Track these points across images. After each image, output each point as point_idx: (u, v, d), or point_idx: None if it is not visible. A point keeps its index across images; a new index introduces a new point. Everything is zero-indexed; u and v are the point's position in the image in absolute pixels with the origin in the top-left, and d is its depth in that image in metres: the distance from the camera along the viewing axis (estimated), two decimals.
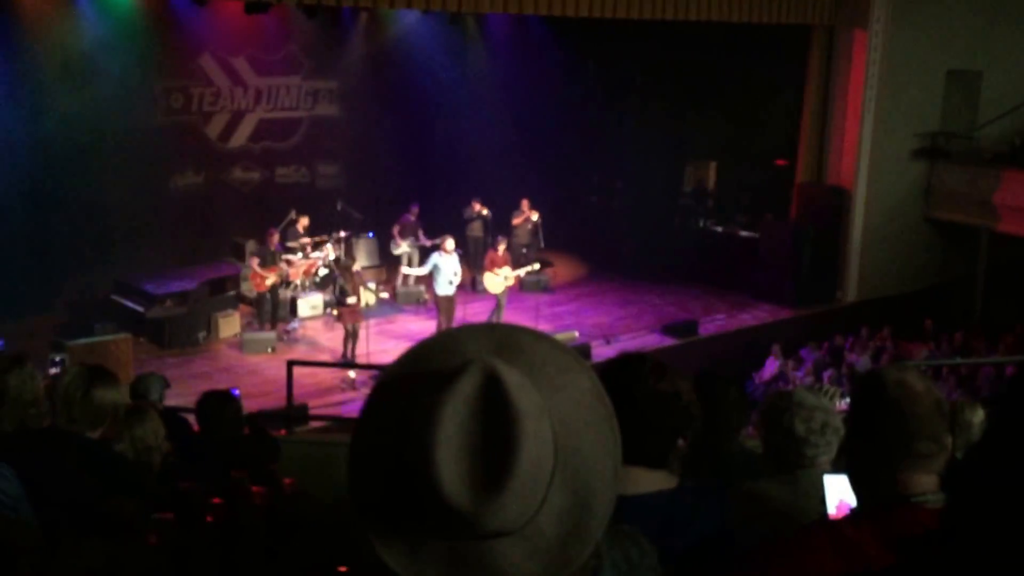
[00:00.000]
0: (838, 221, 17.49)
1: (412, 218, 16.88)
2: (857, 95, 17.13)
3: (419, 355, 1.23)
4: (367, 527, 1.18)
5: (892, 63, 16.97)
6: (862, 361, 14.26)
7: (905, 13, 16.89)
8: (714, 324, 16.23)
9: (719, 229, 18.80)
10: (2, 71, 14.07)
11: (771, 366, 14.64)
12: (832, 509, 2.70)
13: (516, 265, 15.35)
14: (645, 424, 2.21)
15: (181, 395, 9.96)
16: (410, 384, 1.18)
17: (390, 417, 1.17)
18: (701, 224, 19.03)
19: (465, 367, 1.14)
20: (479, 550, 1.13)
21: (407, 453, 1.12)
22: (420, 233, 16.86)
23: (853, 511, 2.10)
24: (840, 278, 17.65)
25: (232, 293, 15.25)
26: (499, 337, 1.22)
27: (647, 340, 15.27)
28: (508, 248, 15.46)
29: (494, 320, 14.50)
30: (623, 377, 2.25)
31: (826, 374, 13.72)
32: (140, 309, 14.43)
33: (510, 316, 14.88)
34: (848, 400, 2.94)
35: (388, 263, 17.17)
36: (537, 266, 16.12)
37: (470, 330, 1.25)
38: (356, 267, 14.42)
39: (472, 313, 15.21)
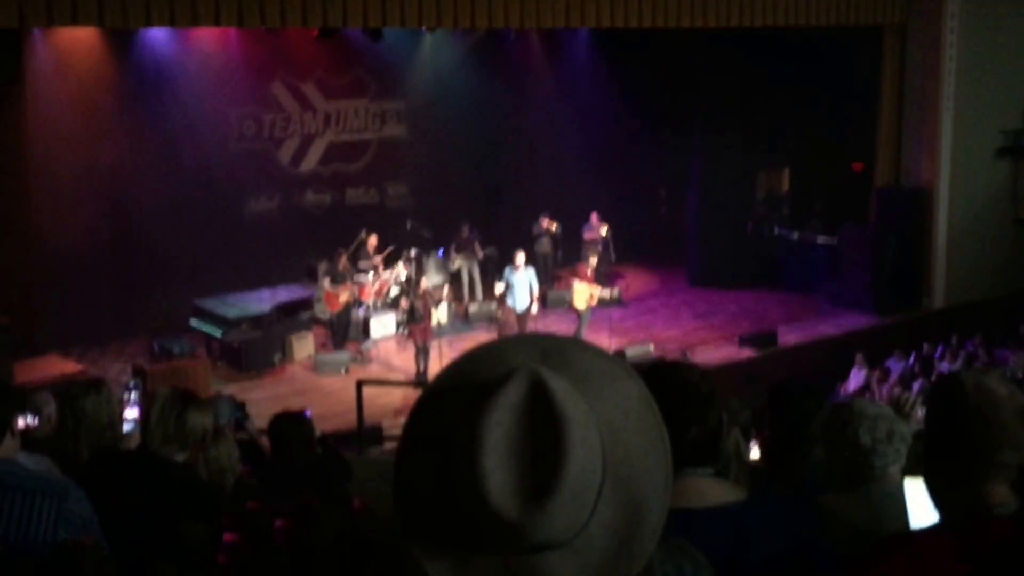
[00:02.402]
0: (920, 225, 17.06)
1: (465, 234, 16.94)
2: (935, 94, 16.71)
3: (463, 367, 1.21)
4: (412, 542, 1.14)
5: (969, 60, 16.55)
6: (953, 369, 13.84)
7: (981, 7, 16.48)
8: (793, 334, 15.90)
9: (795, 236, 18.52)
10: (76, 99, 14.41)
11: (856, 377, 14.29)
12: (914, 517, 2.57)
13: (596, 282, 15.30)
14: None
15: (257, 417, 10.02)
16: (455, 395, 1.15)
17: (434, 429, 1.14)
18: (776, 231, 18.77)
19: (510, 375, 1.10)
20: (528, 564, 1.09)
21: (452, 464, 1.09)
22: (476, 247, 16.90)
23: (933, 525, 1.98)
24: (926, 284, 17.23)
25: (306, 315, 15.40)
26: (544, 347, 1.19)
27: (724, 352, 15.06)
28: (582, 262, 15.46)
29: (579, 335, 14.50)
30: None
31: (915, 384, 13.35)
32: (217, 333, 14.62)
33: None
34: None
35: (458, 281, 17.23)
36: (617, 292, 16.08)
37: (514, 341, 1.22)
38: (425, 285, 14.51)
39: (546, 327, 15.17)
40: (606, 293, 15.36)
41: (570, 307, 15.24)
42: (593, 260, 15.54)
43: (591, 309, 15.07)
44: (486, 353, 1.21)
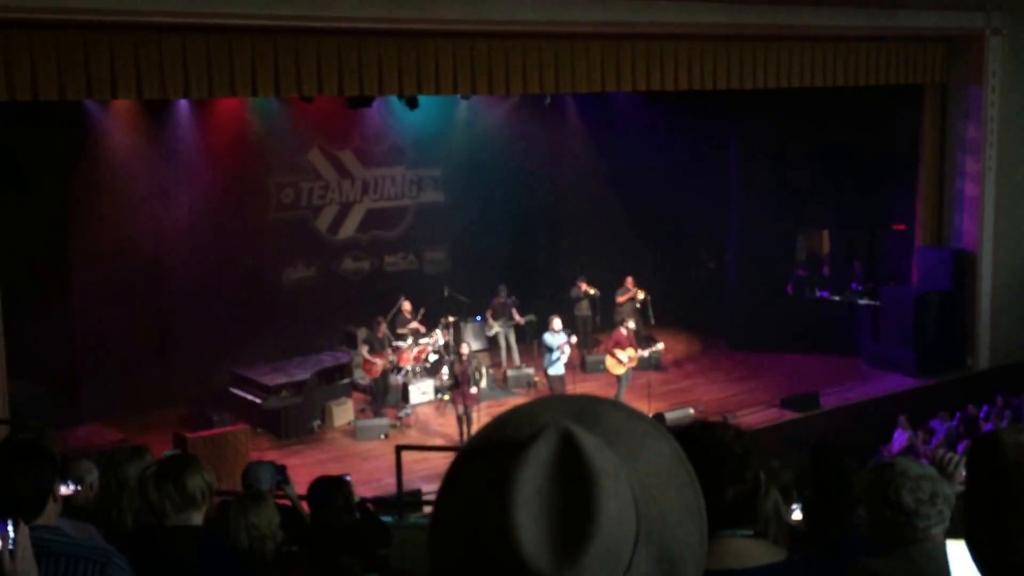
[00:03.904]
0: (963, 285, 16.88)
1: (501, 299, 16.97)
2: (976, 153, 16.63)
3: (496, 427, 1.21)
4: None
5: (1012, 118, 16.49)
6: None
7: (1022, 65, 16.45)
8: (836, 396, 15.72)
9: (836, 298, 18.40)
10: (115, 170, 14.64)
11: (900, 439, 14.09)
12: None
13: (634, 345, 15.29)
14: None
15: (296, 484, 10.02)
16: (486, 454, 1.16)
17: (468, 485, 1.15)
18: (816, 293, 18.66)
19: (541, 432, 1.11)
20: None
21: (485, 518, 1.09)
22: (513, 312, 16.92)
23: None
24: (970, 345, 17.00)
25: (345, 381, 15.46)
26: (575, 407, 1.20)
27: (766, 415, 14.91)
28: (616, 326, 15.46)
29: (619, 398, 14.45)
30: None
31: (961, 446, 13.14)
32: (257, 400, 14.69)
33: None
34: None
35: (495, 347, 17.23)
36: (662, 346, 16.01)
37: (545, 401, 1.23)
38: (465, 350, 14.53)
39: (586, 391, 15.09)
40: (647, 351, 15.32)
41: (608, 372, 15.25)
42: (630, 323, 15.53)
43: (630, 372, 15.05)
44: (517, 414, 1.21)
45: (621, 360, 14.90)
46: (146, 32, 10.58)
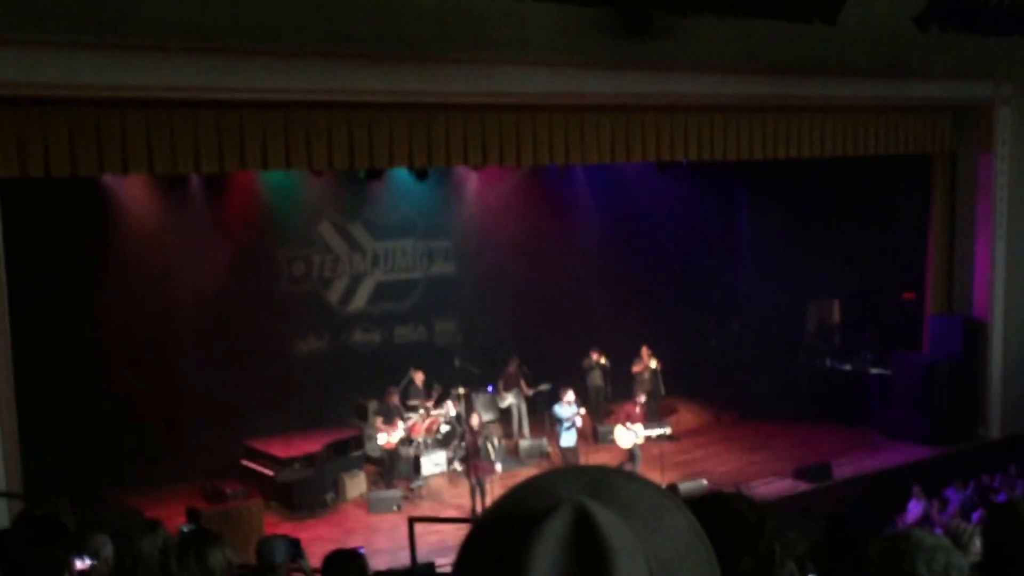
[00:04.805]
0: (975, 354, 16.83)
1: (512, 370, 16.94)
2: (986, 222, 16.68)
3: (511, 499, 1.20)
4: None
5: (1021, 186, 16.57)
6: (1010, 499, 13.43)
7: None
8: (849, 466, 15.62)
9: (847, 367, 18.34)
10: (129, 244, 14.76)
11: (915, 509, 13.95)
12: None
13: (647, 422, 15.22)
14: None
15: (310, 556, 9.95)
16: (502, 527, 1.15)
17: (484, 558, 1.14)
18: (827, 363, 18.61)
19: (556, 507, 1.10)
20: None
21: None
22: (523, 383, 16.88)
23: None
24: (982, 413, 16.92)
25: (357, 453, 15.40)
26: (590, 479, 1.19)
27: (779, 486, 14.80)
28: (633, 397, 15.41)
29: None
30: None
31: (975, 515, 13.01)
32: (270, 473, 14.62)
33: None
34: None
35: (507, 417, 17.17)
36: (669, 430, 15.97)
37: (561, 473, 1.23)
38: (476, 422, 14.49)
39: (599, 463, 14.99)
40: (652, 432, 15.22)
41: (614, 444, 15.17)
42: (642, 397, 15.49)
43: (639, 447, 14.94)
44: (533, 486, 1.21)
45: (630, 432, 14.80)
46: (156, 107, 10.64)
